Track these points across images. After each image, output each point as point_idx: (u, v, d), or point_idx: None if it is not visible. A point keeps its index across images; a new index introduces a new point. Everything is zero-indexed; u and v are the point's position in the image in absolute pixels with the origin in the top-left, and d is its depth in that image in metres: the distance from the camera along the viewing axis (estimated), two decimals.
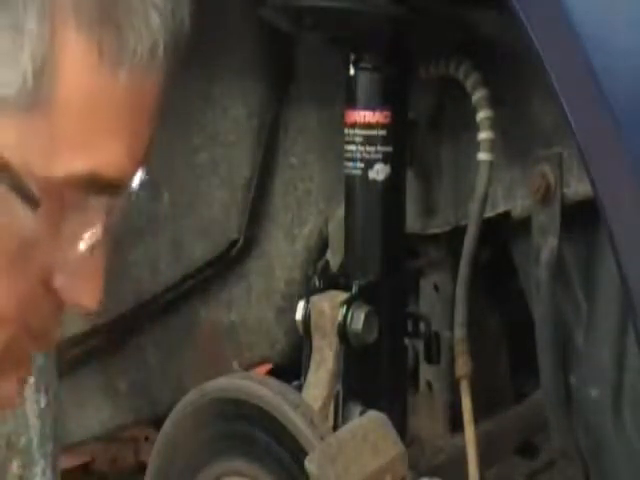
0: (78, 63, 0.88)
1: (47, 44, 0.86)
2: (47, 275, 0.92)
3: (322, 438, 1.46)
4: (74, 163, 0.89)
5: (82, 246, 0.91)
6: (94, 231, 0.92)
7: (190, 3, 0.98)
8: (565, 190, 1.51)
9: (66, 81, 0.88)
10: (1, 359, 0.94)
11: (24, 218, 0.87)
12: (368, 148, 1.58)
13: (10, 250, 0.89)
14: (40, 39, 0.86)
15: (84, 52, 0.88)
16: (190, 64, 1.84)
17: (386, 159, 1.57)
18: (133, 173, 0.95)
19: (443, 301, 1.71)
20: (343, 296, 1.58)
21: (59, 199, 0.89)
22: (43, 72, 0.86)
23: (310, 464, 1.41)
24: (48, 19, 0.86)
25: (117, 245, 1.86)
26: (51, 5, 0.86)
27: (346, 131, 1.59)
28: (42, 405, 1.69)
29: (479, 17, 1.48)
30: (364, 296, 1.58)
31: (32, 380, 1.68)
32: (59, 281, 0.92)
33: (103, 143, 0.90)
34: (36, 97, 0.86)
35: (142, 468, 1.64)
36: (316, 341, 1.59)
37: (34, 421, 1.69)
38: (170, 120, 1.86)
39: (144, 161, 0.96)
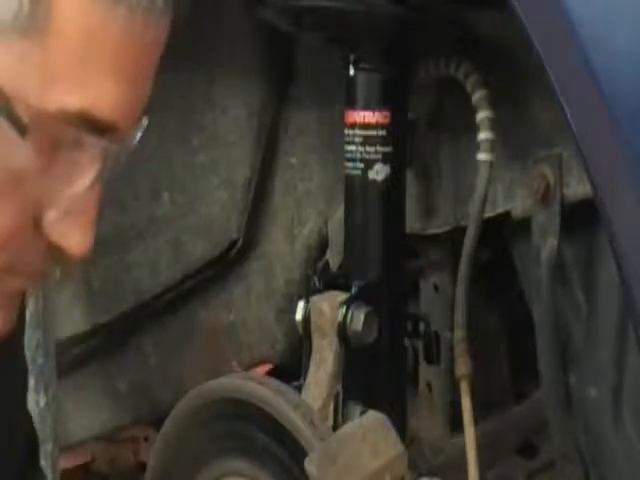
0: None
1: None
2: (37, 211, 0.91)
3: (322, 438, 1.46)
4: (66, 98, 0.88)
5: (75, 187, 0.91)
6: (89, 173, 0.91)
7: None
8: (565, 190, 1.52)
9: (62, 11, 0.87)
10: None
11: (13, 145, 0.87)
12: (368, 148, 1.58)
13: (7, 184, 0.89)
14: None
15: None
16: (190, 64, 1.85)
17: (386, 159, 1.57)
18: (128, 120, 0.94)
19: (443, 301, 1.71)
20: (343, 296, 1.58)
21: (51, 133, 0.89)
22: (39, 12, 0.86)
23: (310, 465, 1.40)
24: None
25: (117, 245, 1.87)
26: None
27: (346, 131, 1.59)
28: (41, 405, 1.69)
29: (479, 17, 1.48)
30: (364, 296, 1.58)
31: (31, 381, 1.67)
32: (49, 219, 0.91)
33: (97, 82, 0.90)
34: (31, 24, 0.86)
35: (142, 468, 1.65)
36: (316, 341, 1.59)
37: (34, 421, 1.69)
38: (170, 120, 1.88)
39: (141, 115, 0.96)
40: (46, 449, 1.68)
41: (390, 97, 1.58)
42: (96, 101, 0.89)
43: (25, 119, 0.87)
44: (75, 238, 0.92)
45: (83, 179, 0.91)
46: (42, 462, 1.66)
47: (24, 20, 0.86)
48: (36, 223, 0.91)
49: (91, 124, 0.90)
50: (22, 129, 0.87)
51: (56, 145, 0.90)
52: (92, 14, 0.88)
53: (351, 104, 1.59)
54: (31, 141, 0.88)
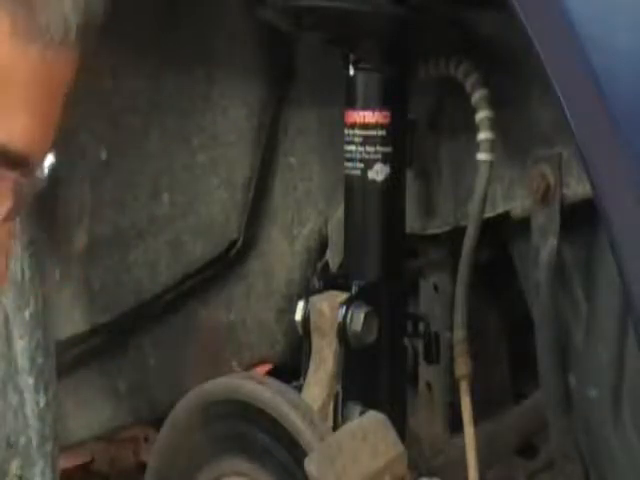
0: None
1: None
2: None
3: (322, 438, 1.46)
4: None
5: None
6: (5, 204, 0.92)
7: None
8: (565, 190, 1.52)
9: None
10: None
11: None
12: (367, 148, 1.58)
13: None
14: None
15: (5, 24, 0.89)
16: (190, 64, 1.86)
17: (385, 159, 1.58)
18: (40, 153, 0.95)
19: (443, 301, 1.72)
20: (342, 296, 1.58)
21: None
22: None
23: (309, 465, 1.40)
24: None
25: (117, 245, 1.87)
26: None
27: (346, 131, 1.59)
28: (41, 405, 1.70)
29: (479, 17, 1.49)
30: (363, 296, 1.58)
31: (31, 381, 1.69)
32: None
33: (11, 117, 0.91)
34: None
35: (142, 468, 1.66)
36: (315, 341, 1.59)
37: (33, 421, 1.69)
38: (169, 120, 1.89)
39: (51, 145, 0.96)
40: (46, 449, 1.69)
41: (390, 97, 1.58)
42: (10, 135, 0.91)
43: None
44: None
45: None
46: (41, 462, 1.70)
47: None
48: None
49: (5, 158, 0.90)
50: None
51: None
52: (6, 53, 0.90)
53: (351, 104, 1.59)
54: None
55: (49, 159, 0.98)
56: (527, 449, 1.74)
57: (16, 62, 0.91)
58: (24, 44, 0.90)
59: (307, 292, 1.66)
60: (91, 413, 1.89)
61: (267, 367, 1.95)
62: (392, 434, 1.47)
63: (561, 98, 1.13)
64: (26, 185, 0.94)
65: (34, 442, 1.70)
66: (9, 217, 0.95)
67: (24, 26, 0.90)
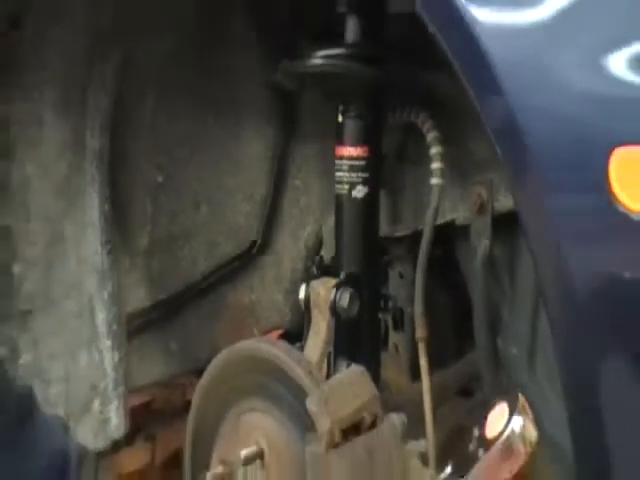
0: None
1: None
2: None
3: (318, 385, 1.45)
4: None
5: None
6: None
7: None
8: (495, 204, 1.51)
9: None
10: None
11: None
12: (352, 174, 1.57)
13: None
14: None
15: None
16: (224, 112, 1.85)
17: (365, 182, 1.57)
18: None
19: (406, 285, 1.72)
20: (333, 282, 1.58)
21: None
22: None
23: (310, 404, 1.40)
24: None
25: (170, 244, 1.86)
26: None
27: (336, 162, 1.58)
28: (116, 360, 1.69)
29: (433, 78, 1.48)
30: (349, 282, 1.58)
31: (108, 343, 1.68)
32: None
33: None
34: None
35: (188, 406, 1.62)
36: (313, 314, 1.59)
37: (110, 372, 1.69)
38: (207, 152, 1.89)
39: None
40: (119, 391, 1.69)
41: (368, 137, 1.57)
42: None
43: None
44: None
45: None
46: (115, 401, 1.69)
47: None
48: None
49: None
50: None
51: None
52: None
53: (340, 142, 1.58)
54: None
55: None
56: (466, 392, 1.74)
57: None
58: None
59: (307, 278, 1.64)
60: (151, 365, 1.87)
61: (278, 332, 1.93)
62: (369, 382, 1.46)
63: (493, 139, 1.13)
64: None
65: (110, 386, 1.69)
66: None
67: None
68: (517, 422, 0.91)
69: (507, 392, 1.49)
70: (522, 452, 0.91)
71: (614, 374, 1.10)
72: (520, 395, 0.92)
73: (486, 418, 0.93)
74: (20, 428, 1.11)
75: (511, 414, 0.91)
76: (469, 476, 0.92)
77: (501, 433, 0.91)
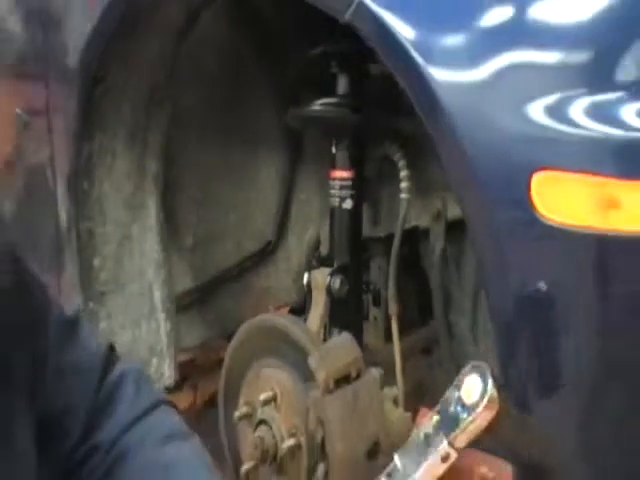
0: None
1: None
2: None
3: (317, 347, 1.47)
4: None
5: None
6: None
7: None
8: (448, 214, 1.52)
9: None
10: None
11: None
12: (342, 191, 1.57)
13: None
14: None
15: None
16: (246, 147, 1.86)
17: (352, 197, 1.57)
18: None
19: (383, 274, 1.70)
20: (328, 271, 1.58)
21: None
22: None
23: (311, 361, 1.43)
24: None
25: (208, 244, 1.87)
26: None
27: (330, 182, 1.59)
28: (168, 329, 1.70)
29: (402, 122, 1.47)
30: (340, 271, 1.58)
31: (163, 316, 1.69)
32: None
33: None
34: None
35: (221, 362, 1.63)
36: (314, 295, 1.59)
37: (164, 337, 1.69)
38: (233, 175, 1.88)
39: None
40: (171, 352, 1.69)
41: (354, 163, 1.58)
42: None
43: None
44: None
45: None
46: (168, 359, 1.69)
47: None
48: None
49: None
50: None
51: None
52: None
53: (333, 166, 1.58)
54: None
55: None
56: (427, 350, 1.71)
57: None
58: None
59: (309, 268, 1.65)
60: (193, 332, 1.85)
61: (287, 308, 1.92)
62: (355, 345, 1.48)
63: (445, 166, 1.13)
64: None
65: (164, 348, 1.69)
66: None
67: None
68: (489, 386, 0.91)
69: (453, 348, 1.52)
70: (491, 409, 0.91)
71: (529, 337, 1.10)
72: (487, 365, 0.92)
73: (460, 387, 0.92)
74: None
75: (485, 384, 0.91)
76: (457, 430, 0.91)
77: (480, 400, 0.91)
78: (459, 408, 0.90)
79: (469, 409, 0.89)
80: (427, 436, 0.91)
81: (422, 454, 0.90)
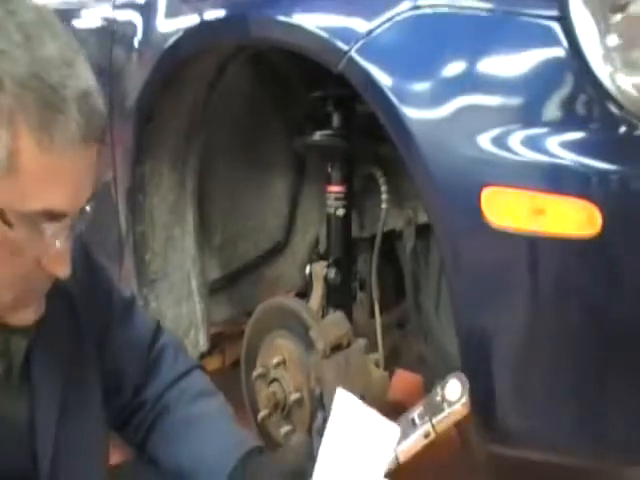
0: (30, 150, 0.71)
1: (12, 142, 0.70)
2: (38, 259, 0.77)
3: (317, 322, 1.46)
4: (34, 204, 0.73)
5: (57, 243, 0.77)
6: (61, 237, 0.77)
7: (101, 123, 0.76)
8: (418, 219, 1.51)
9: (24, 161, 0.71)
10: (23, 300, 0.80)
11: (9, 233, 0.74)
12: (336, 202, 1.56)
13: (7, 251, 0.75)
14: (7, 139, 0.71)
15: (34, 143, 0.71)
16: (257, 168, 1.83)
17: (344, 206, 1.56)
18: (77, 207, 0.77)
19: (368, 266, 1.66)
20: (325, 264, 1.58)
21: (32, 221, 0.74)
22: (12, 155, 0.71)
23: (312, 333, 1.42)
24: (11, 129, 0.70)
25: (232, 244, 1.84)
26: (12, 121, 0.70)
27: (327, 195, 1.58)
28: (202, 307, 1.68)
29: (383, 148, 1.45)
30: (335, 264, 1.58)
31: (198, 299, 1.68)
32: (45, 262, 0.78)
33: (54, 192, 0.74)
34: (8, 170, 0.71)
35: (242, 334, 1.62)
36: (314, 283, 1.59)
37: (199, 315, 1.68)
38: (250, 191, 1.86)
39: (90, 197, 0.79)
40: (204, 326, 1.68)
41: (345, 180, 1.56)
42: (53, 203, 0.74)
43: (12, 218, 0.73)
44: (61, 271, 0.79)
45: (59, 240, 0.77)
46: (202, 331, 1.66)
47: (4, 167, 0.71)
48: (38, 264, 0.78)
49: (52, 214, 0.75)
50: (10, 225, 0.73)
51: (38, 225, 0.75)
52: (41, 158, 0.72)
53: (329, 183, 1.57)
54: (17, 230, 0.74)
55: (90, 204, 0.79)
56: (401, 325, 1.68)
57: (53, 161, 0.72)
58: (60, 151, 0.72)
59: (310, 262, 1.65)
60: (222, 310, 1.83)
61: (293, 293, 1.90)
62: (346, 321, 1.48)
63: (416, 181, 1.13)
64: (73, 222, 0.78)
65: (199, 323, 1.68)
66: (67, 239, 0.79)
67: (51, 142, 0.71)
68: (466, 393, 0.93)
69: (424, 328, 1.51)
70: (464, 409, 0.92)
71: (479, 311, 1.11)
72: (464, 375, 0.94)
73: (443, 387, 0.94)
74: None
75: (464, 389, 0.93)
76: (439, 417, 0.93)
77: (459, 399, 0.93)
78: (444, 403, 0.92)
79: (450, 404, 0.91)
80: (414, 418, 0.93)
81: (410, 430, 0.92)
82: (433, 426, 0.91)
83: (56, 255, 0.78)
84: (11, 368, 0.85)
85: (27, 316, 0.82)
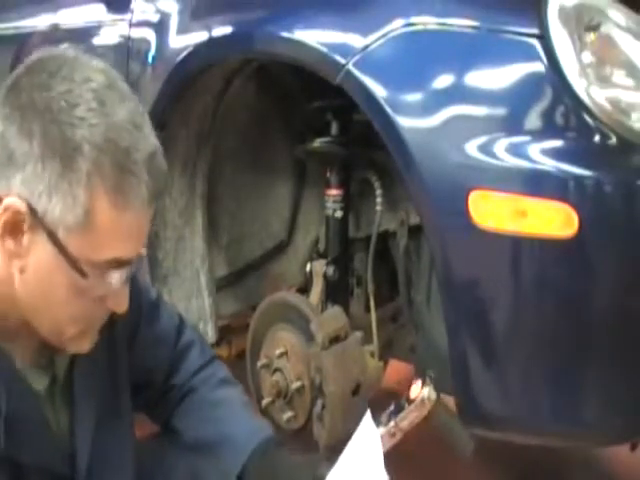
0: (105, 208, 0.74)
1: (89, 201, 0.74)
2: (103, 298, 0.80)
3: (317, 315, 1.46)
4: (106, 254, 0.76)
5: (118, 285, 0.79)
6: (122, 278, 0.79)
7: (167, 174, 0.80)
8: (410, 220, 1.48)
9: (99, 218, 0.74)
10: (82, 332, 0.82)
11: (81, 281, 0.77)
12: (334, 204, 1.55)
13: (75, 294, 0.78)
14: (85, 199, 0.74)
15: (108, 203, 0.74)
16: (263, 173, 1.82)
17: (341, 208, 1.55)
18: (138, 253, 0.80)
19: (364, 264, 1.66)
20: (324, 262, 1.58)
21: (102, 269, 0.77)
22: (88, 213, 0.74)
23: (312, 326, 1.42)
24: (88, 190, 0.74)
25: (239, 243, 1.83)
26: (89, 183, 0.73)
27: (325, 197, 1.57)
28: (210, 302, 1.69)
29: (378, 154, 1.45)
30: (333, 262, 1.57)
31: (207, 293, 1.67)
32: (108, 301, 0.81)
33: (121, 245, 0.77)
34: (84, 226, 0.74)
35: (248, 326, 1.61)
36: (314, 279, 1.59)
37: (208, 308, 1.68)
38: (258, 193, 1.85)
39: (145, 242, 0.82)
40: (213, 319, 1.68)
41: (343, 183, 1.56)
42: (123, 252, 0.77)
43: (85, 269, 0.76)
44: (121, 307, 0.82)
45: (119, 281, 0.79)
46: (210, 323, 1.66)
47: (81, 223, 0.74)
48: (101, 303, 0.81)
49: (120, 262, 0.78)
50: (83, 275, 0.77)
51: (108, 271, 0.78)
52: (115, 215, 0.75)
53: (328, 187, 1.56)
54: (88, 277, 0.77)
55: (143, 251, 0.82)
56: (394, 318, 1.68)
57: (121, 219, 0.75)
58: (125, 211, 0.75)
59: (311, 260, 1.65)
60: (229, 305, 1.82)
61: (295, 288, 1.88)
62: (343, 315, 1.47)
63: (408, 185, 1.14)
64: (133, 268, 0.80)
65: (208, 316, 1.67)
66: (127, 281, 0.81)
67: (124, 202, 0.74)
68: (427, 390, 0.93)
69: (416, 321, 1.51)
70: (427, 404, 0.93)
71: (466, 304, 1.12)
72: (428, 375, 0.94)
73: (409, 387, 0.95)
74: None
75: (423, 386, 0.94)
76: (400, 415, 0.94)
77: (417, 396, 0.94)
78: (406, 403, 0.93)
79: (411, 403, 0.92)
80: (383, 419, 0.94)
81: (378, 429, 0.93)
82: (396, 424, 0.92)
83: (118, 294, 0.81)
84: (55, 380, 0.88)
85: (84, 345, 0.84)
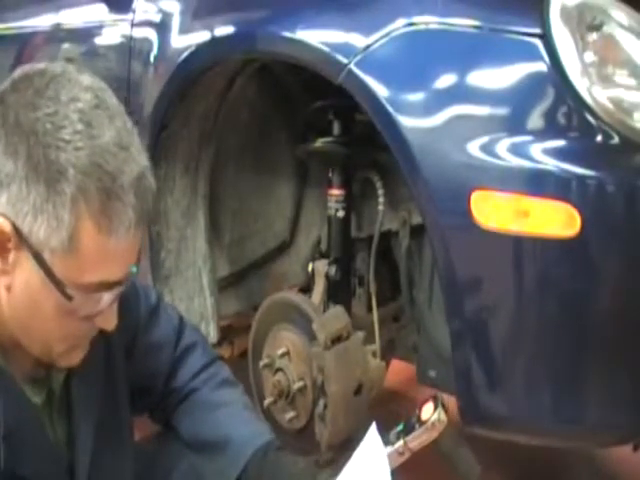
0: (91, 232, 0.74)
1: (74, 225, 0.73)
2: (91, 317, 0.80)
3: (319, 316, 1.46)
4: (92, 277, 0.76)
5: (105, 305, 0.79)
6: (109, 299, 0.79)
7: (152, 198, 0.79)
8: (412, 220, 1.48)
9: (84, 242, 0.74)
10: (72, 347, 0.82)
11: (67, 303, 0.77)
12: (336, 204, 1.55)
13: (63, 315, 0.78)
14: (69, 222, 0.73)
15: (94, 228, 0.74)
16: (265, 174, 1.82)
17: (343, 208, 1.55)
18: (126, 275, 0.79)
19: (366, 264, 1.66)
20: (326, 261, 1.58)
21: (89, 291, 0.77)
22: (73, 237, 0.73)
23: (314, 326, 1.42)
24: (73, 213, 0.73)
25: (242, 241, 1.84)
26: (74, 207, 0.73)
27: (328, 197, 1.57)
28: (212, 302, 1.69)
29: (380, 154, 1.46)
30: (335, 261, 1.57)
31: (209, 294, 1.67)
32: (96, 320, 0.81)
33: (108, 268, 0.76)
34: (70, 249, 0.74)
35: (250, 326, 1.61)
36: (316, 279, 1.59)
37: (209, 308, 1.68)
38: (260, 193, 1.85)
39: (135, 262, 0.81)
40: (214, 319, 1.68)
41: (345, 184, 1.55)
42: (109, 276, 0.77)
43: (71, 292, 0.76)
44: (109, 325, 0.82)
45: (107, 302, 0.79)
46: (212, 324, 1.66)
47: (66, 246, 0.74)
48: (90, 321, 0.80)
49: (108, 285, 0.77)
50: (69, 298, 0.76)
51: (96, 293, 0.78)
52: (100, 239, 0.74)
53: (330, 186, 1.56)
54: (74, 299, 0.76)
55: (134, 269, 0.82)
56: (396, 318, 1.69)
57: (106, 242, 0.75)
58: (110, 236, 0.74)
59: (313, 260, 1.65)
60: (230, 305, 1.80)
61: (297, 288, 1.88)
62: (346, 315, 1.47)
63: (410, 185, 1.15)
64: (122, 288, 0.80)
65: (209, 316, 1.68)
66: (115, 300, 0.81)
67: (108, 228, 0.74)
68: (438, 412, 0.93)
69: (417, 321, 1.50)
70: (438, 427, 0.93)
71: (468, 304, 1.12)
72: (439, 396, 0.94)
73: (421, 408, 0.93)
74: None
75: (436, 408, 0.94)
76: (411, 436, 0.93)
77: (429, 418, 0.93)
78: (417, 423, 0.93)
79: (422, 424, 0.92)
80: (391, 437, 0.93)
81: (387, 448, 0.93)
82: (405, 443, 0.91)
83: (106, 313, 0.81)
84: (52, 392, 0.88)
85: (74, 359, 0.84)
